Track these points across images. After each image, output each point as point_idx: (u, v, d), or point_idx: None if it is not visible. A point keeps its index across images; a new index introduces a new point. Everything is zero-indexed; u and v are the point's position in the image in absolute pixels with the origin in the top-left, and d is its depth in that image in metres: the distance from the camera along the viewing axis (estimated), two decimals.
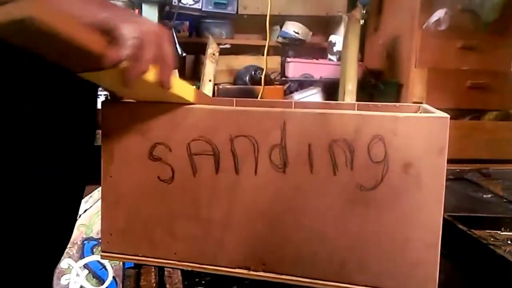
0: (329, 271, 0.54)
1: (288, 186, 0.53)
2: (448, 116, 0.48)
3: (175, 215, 0.58)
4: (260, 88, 2.00)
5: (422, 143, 0.48)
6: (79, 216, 1.51)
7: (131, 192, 0.59)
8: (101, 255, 0.62)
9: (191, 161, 0.56)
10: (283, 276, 0.55)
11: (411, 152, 0.49)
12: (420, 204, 0.49)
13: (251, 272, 0.56)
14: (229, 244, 0.57)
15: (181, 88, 0.54)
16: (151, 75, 0.49)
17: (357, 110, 0.68)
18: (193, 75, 2.21)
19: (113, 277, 1.55)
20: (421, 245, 0.50)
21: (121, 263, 0.64)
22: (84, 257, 1.53)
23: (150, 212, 0.59)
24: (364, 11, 1.84)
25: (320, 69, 2.14)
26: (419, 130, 0.48)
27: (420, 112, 0.62)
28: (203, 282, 0.57)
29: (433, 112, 0.53)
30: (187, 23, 2.20)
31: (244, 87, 2.03)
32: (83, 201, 1.43)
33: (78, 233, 1.53)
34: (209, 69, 1.96)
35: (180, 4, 2.06)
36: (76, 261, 1.53)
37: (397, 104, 0.77)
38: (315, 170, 0.52)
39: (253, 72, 2.05)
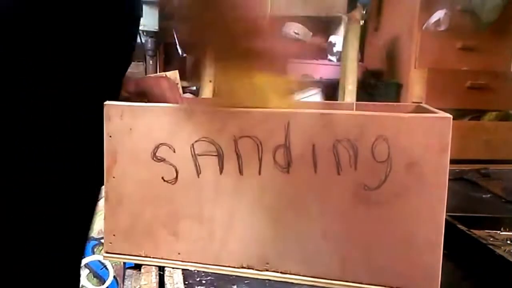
0: (333, 269, 0.54)
1: (292, 186, 0.54)
2: (451, 116, 0.49)
3: (178, 215, 0.59)
4: None
5: (425, 143, 0.49)
6: None
7: (134, 192, 0.60)
8: (104, 256, 0.63)
9: (195, 161, 0.56)
10: (287, 276, 0.56)
11: (414, 151, 0.49)
12: (423, 203, 0.50)
13: (255, 272, 0.57)
14: (233, 244, 0.57)
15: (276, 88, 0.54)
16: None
17: (356, 109, 0.68)
18: (194, 75, 2.21)
19: (114, 276, 1.56)
20: (424, 244, 0.50)
21: (122, 262, 0.65)
22: (84, 257, 1.53)
23: (153, 213, 0.59)
24: (364, 12, 1.85)
25: (320, 70, 2.15)
26: (422, 130, 0.49)
27: (420, 112, 0.62)
28: (203, 282, 0.57)
29: (433, 112, 0.54)
30: None
31: None
32: None
33: None
34: (210, 69, 1.96)
35: None
36: None
37: (395, 104, 0.78)
38: (319, 170, 0.52)
39: None
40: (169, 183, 0.58)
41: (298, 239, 0.55)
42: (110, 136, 0.59)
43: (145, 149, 0.58)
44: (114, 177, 0.60)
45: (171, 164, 0.57)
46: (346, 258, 0.53)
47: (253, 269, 0.57)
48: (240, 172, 0.55)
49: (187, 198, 0.58)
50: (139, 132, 0.58)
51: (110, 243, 0.62)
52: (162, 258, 0.60)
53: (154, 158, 0.58)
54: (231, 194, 0.56)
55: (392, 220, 0.51)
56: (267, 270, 0.56)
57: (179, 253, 0.59)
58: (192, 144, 0.56)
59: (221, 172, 0.56)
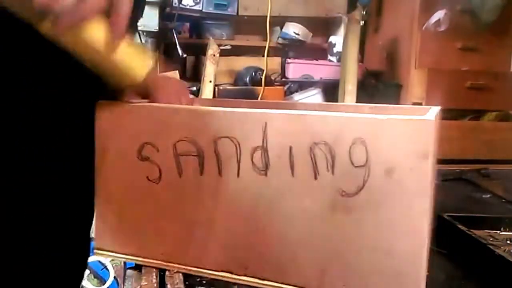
0: (310, 278, 0.52)
1: (270, 190, 0.52)
2: (433, 119, 0.45)
3: (162, 215, 0.58)
4: (260, 89, 2.01)
5: (406, 147, 0.45)
6: None
7: (121, 191, 0.59)
8: (95, 252, 0.63)
9: (177, 161, 0.56)
10: (265, 282, 0.54)
11: (394, 156, 0.46)
12: (404, 212, 0.47)
13: (234, 276, 0.55)
14: (213, 246, 0.56)
15: (130, 57, 0.51)
16: (94, 29, 0.46)
17: (373, 113, 0.66)
18: (194, 76, 2.22)
19: (114, 277, 1.55)
20: (404, 255, 0.47)
21: (122, 263, 0.65)
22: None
23: (139, 211, 0.59)
24: (364, 12, 1.85)
25: (320, 70, 2.15)
26: (402, 133, 0.46)
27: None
28: (204, 282, 0.57)
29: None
30: (187, 24, 2.21)
31: (244, 88, 2.04)
32: None
33: None
34: (210, 70, 1.96)
35: (181, 6, 2.07)
36: None
37: (416, 106, 0.74)
38: (296, 173, 0.50)
39: (253, 73, 2.05)
40: (153, 182, 0.57)
41: (276, 245, 0.53)
42: (100, 135, 0.59)
43: (131, 147, 0.57)
44: (103, 175, 0.60)
45: (155, 164, 0.57)
46: (324, 266, 0.51)
47: (231, 273, 0.55)
48: (220, 173, 0.54)
49: (170, 198, 0.57)
50: (126, 131, 0.58)
51: (100, 240, 0.62)
52: (146, 258, 0.60)
53: (139, 157, 0.57)
54: (211, 195, 0.55)
55: (371, 229, 0.48)
56: (245, 275, 0.55)
57: (162, 253, 0.59)
58: (174, 144, 0.55)
59: (201, 173, 0.55)
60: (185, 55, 2.08)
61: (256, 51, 2.20)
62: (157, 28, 2.00)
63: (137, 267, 0.64)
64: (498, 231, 0.71)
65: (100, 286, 1.54)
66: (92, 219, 0.70)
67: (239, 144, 0.53)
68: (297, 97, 2.06)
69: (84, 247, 0.69)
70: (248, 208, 0.54)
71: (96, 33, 0.48)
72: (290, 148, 0.50)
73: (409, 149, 0.45)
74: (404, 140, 0.46)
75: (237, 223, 0.55)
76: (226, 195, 0.54)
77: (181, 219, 0.57)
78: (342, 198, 0.49)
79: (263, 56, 2.08)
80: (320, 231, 0.51)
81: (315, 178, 0.50)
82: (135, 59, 0.53)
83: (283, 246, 0.53)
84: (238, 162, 0.53)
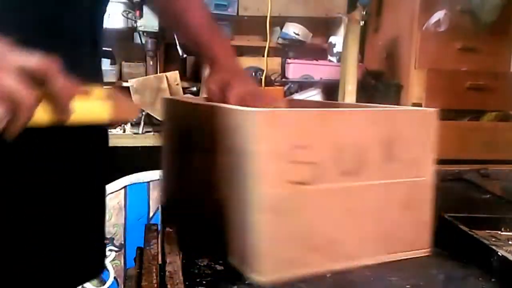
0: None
1: (210, 166, 0.65)
2: (262, 110, 0.54)
3: (191, 180, 0.76)
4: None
5: (246, 136, 0.55)
6: None
7: (174, 162, 0.82)
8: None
9: (194, 141, 0.74)
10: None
11: (243, 143, 0.55)
12: (243, 191, 0.56)
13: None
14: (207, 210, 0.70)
15: (89, 112, 0.52)
16: (43, 115, 0.47)
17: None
18: (194, 76, 2.22)
19: (114, 277, 1.56)
20: (243, 231, 0.56)
21: (122, 263, 0.69)
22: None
23: (183, 176, 0.79)
24: (364, 12, 1.85)
25: (320, 70, 2.15)
26: (248, 124, 0.55)
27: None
28: (204, 282, 0.57)
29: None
30: None
31: None
32: None
33: None
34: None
35: None
36: None
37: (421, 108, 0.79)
38: (218, 155, 0.63)
39: (253, 73, 2.06)
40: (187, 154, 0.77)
41: (211, 209, 0.65)
42: (166, 120, 0.85)
43: (177, 130, 0.80)
44: (167, 148, 0.85)
45: (188, 141, 0.75)
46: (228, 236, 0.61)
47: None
48: (205, 152, 0.67)
49: (193, 166, 0.75)
50: (176, 119, 0.81)
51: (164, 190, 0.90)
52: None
53: (181, 137, 0.78)
54: (202, 167, 0.70)
55: (233, 201, 0.58)
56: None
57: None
58: (190, 130, 0.75)
59: (202, 150, 0.70)
60: (185, 55, 2.09)
61: (256, 51, 2.20)
62: (157, 28, 2.00)
63: (138, 268, 0.64)
64: (499, 231, 0.71)
65: (100, 286, 1.54)
66: (94, 219, 0.70)
67: (207, 131, 0.65)
68: (297, 97, 2.06)
69: (88, 248, 0.69)
70: (204, 177, 0.69)
71: (46, 114, 0.48)
72: (220, 133, 0.62)
73: (248, 138, 0.55)
74: (247, 129, 0.55)
75: (205, 189, 0.68)
76: (202, 169, 0.70)
77: (196, 182, 0.73)
78: (225, 175, 0.61)
79: (263, 56, 2.08)
80: (221, 203, 0.62)
81: (216, 156, 0.62)
82: (92, 112, 0.52)
83: (216, 212, 0.64)
84: (204, 143, 0.67)
